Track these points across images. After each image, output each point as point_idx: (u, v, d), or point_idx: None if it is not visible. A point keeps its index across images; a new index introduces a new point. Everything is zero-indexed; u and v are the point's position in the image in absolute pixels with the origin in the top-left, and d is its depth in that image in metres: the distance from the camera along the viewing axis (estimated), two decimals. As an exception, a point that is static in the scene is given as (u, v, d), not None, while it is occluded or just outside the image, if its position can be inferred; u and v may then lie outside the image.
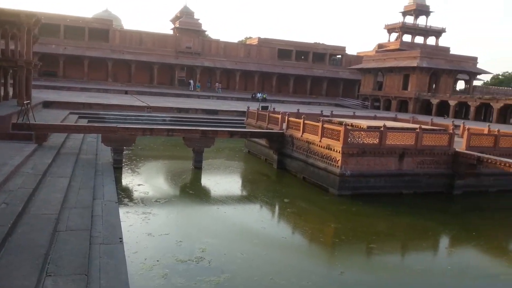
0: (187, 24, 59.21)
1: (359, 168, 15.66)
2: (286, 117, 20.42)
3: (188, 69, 62.89)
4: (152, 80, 57.64)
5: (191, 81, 58.61)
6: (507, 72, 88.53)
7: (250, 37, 78.79)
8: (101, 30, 55.84)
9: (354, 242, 11.72)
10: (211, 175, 18.69)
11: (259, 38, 66.96)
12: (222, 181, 17.69)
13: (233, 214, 13.06)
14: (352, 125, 18.99)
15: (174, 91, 53.86)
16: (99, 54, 53.83)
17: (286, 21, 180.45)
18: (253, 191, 16.95)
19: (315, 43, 71.15)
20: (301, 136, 18.39)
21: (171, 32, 63.66)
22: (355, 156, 15.54)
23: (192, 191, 15.94)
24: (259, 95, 54.63)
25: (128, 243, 9.22)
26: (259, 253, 9.98)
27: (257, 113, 24.49)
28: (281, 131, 20.40)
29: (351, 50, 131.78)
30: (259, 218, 13.02)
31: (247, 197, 15.95)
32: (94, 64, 54.23)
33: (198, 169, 18.72)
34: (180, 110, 34.89)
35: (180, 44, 58.86)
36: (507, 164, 14.59)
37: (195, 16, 61.65)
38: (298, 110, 26.56)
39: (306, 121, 18.52)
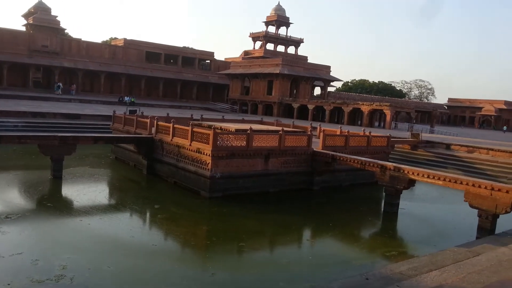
0: (42, 21, 53.85)
1: (229, 170, 16.10)
2: (155, 121, 19.96)
3: (45, 70, 57.13)
4: (1, 81, 50.95)
5: (60, 84, 53.22)
6: (355, 79, 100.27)
7: (116, 38, 75.13)
8: None
9: (226, 242, 12.00)
10: (73, 184, 17.29)
11: (125, 39, 64.26)
12: (85, 190, 16.48)
13: (99, 226, 12.26)
14: (221, 129, 19.41)
15: (28, 93, 48.39)
16: None
17: (154, 24, 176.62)
18: (121, 199, 16.17)
19: (184, 47, 71.22)
20: (171, 140, 18.17)
21: (23, 28, 57.15)
22: (224, 159, 15.92)
23: (50, 203, 14.53)
24: (127, 98, 52.39)
25: (-31, 268, 7.99)
26: (128, 264, 9.56)
27: (124, 117, 23.46)
28: (150, 135, 19.87)
29: (219, 56, 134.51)
30: (128, 227, 12.46)
31: (115, 206, 15.14)
32: None
33: (57, 178, 17.14)
34: (35, 114, 31.51)
35: (34, 42, 53.26)
36: (356, 161, 16.52)
37: (53, 13, 56.38)
38: (167, 114, 26.19)
39: (175, 125, 18.35)
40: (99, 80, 58.56)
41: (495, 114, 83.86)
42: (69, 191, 16.32)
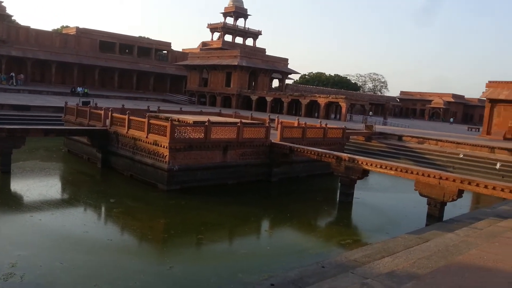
0: (-15, 6, 50.64)
1: (187, 162, 15.94)
2: (110, 113, 19.39)
3: (-11, 59, 53.82)
4: None
5: (12, 74, 50.19)
6: (312, 72, 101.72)
7: (67, 26, 72.04)
8: None
9: (184, 235, 11.92)
10: (22, 179, 16.52)
11: (77, 28, 61.77)
12: (36, 185, 15.80)
13: (51, 221, 11.80)
14: (179, 121, 19.15)
15: (-30, 83, 45.55)
16: None
17: (108, 13, 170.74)
18: (74, 194, 15.64)
19: (140, 37, 69.45)
20: (127, 132, 17.73)
21: (-37, 13, 53.43)
22: (182, 151, 15.75)
23: (-3, 199, 13.83)
24: (80, 89, 50.51)
25: None
26: (81, 260, 9.27)
27: (77, 108, 22.63)
28: (105, 127, 19.29)
29: (176, 46, 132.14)
30: (81, 222, 12.07)
31: (67, 201, 14.62)
32: None
33: (5, 173, 16.32)
34: (-21, 106, 29.75)
35: (-24, 29, 50.03)
36: (313, 152, 16.83)
37: (-4, -2, 53.07)
38: (123, 105, 25.52)
39: (131, 117, 17.92)
40: (50, 70, 55.99)
41: (443, 106, 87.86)
42: (18, 186, 15.60)
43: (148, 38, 69.90)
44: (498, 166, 20.84)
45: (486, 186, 11.83)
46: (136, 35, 69.99)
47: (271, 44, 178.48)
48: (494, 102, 36.23)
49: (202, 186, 16.25)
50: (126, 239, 11.38)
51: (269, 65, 59.16)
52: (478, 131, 46.86)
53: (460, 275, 5.60)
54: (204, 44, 73.29)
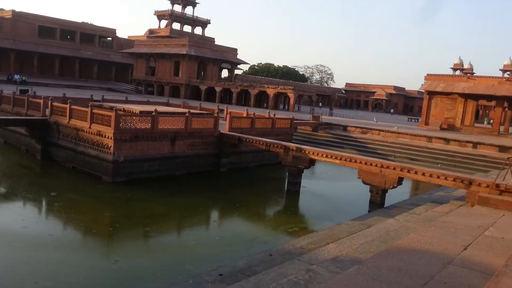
0: None
1: (133, 153, 15.53)
2: (50, 102, 18.42)
3: None
4: None
5: None
6: (261, 63, 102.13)
7: (2, 9, 67.24)
8: None
9: (130, 228, 11.64)
10: (-49, 173, 15.37)
11: (13, 11, 57.84)
12: (-33, 179, 14.77)
13: (-15, 217, 11.10)
14: (124, 110, 18.59)
15: None
16: None
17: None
18: (12, 187, 14.78)
19: (83, 22, 66.24)
20: (68, 122, 16.96)
21: None
22: (128, 142, 15.31)
23: None
24: (17, 77, 47.47)
25: None
26: (20, 257, 8.82)
27: (14, 97, 21.32)
28: (44, 117, 18.32)
29: (122, 33, 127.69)
30: (20, 217, 11.44)
31: (4, 195, 13.81)
32: None
33: None
34: None
35: None
36: (261, 142, 16.99)
37: None
38: (64, 94, 24.33)
39: (73, 107, 17.15)
40: (-18, 56, 52.17)
41: (385, 98, 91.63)
42: None
43: (91, 24, 66.80)
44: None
45: (423, 174, 12.52)
46: (79, 20, 66.68)
47: (220, 34, 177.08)
48: (431, 94, 38.27)
49: (150, 177, 15.92)
50: (69, 234, 10.94)
51: (218, 54, 58.68)
52: (417, 121, 49.35)
53: (399, 258, 5.91)
54: (151, 31, 71.28)
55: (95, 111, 16.14)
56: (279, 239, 11.27)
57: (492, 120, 41.66)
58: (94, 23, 67.14)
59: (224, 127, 19.16)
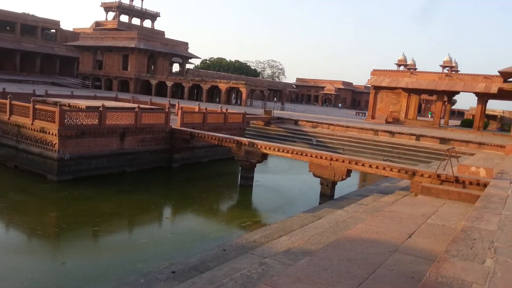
0: None
1: (80, 150, 14.94)
2: (-14, 98, 17.29)
3: None
4: None
5: None
6: (212, 57, 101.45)
7: None
8: None
9: (77, 228, 11.20)
10: None
11: None
12: None
13: None
14: (69, 106, 17.85)
15: None
16: None
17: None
18: None
19: (24, 13, 62.49)
20: (9, 119, 16.03)
21: None
22: (74, 138, 14.70)
23: None
24: None
25: None
26: (-44, 262, 8.25)
27: None
28: (-19, 114, 17.17)
29: (66, 25, 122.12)
30: (-45, 220, 10.71)
31: None
32: None
33: None
34: None
35: None
36: (213, 137, 16.90)
37: None
38: (4, 89, 22.92)
39: (14, 102, 16.21)
40: None
41: (334, 93, 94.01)
42: None
43: (33, 15, 63.16)
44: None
45: (370, 166, 13.00)
46: (19, 11, 62.87)
47: (170, 28, 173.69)
48: (377, 89, 39.73)
49: (98, 175, 15.39)
50: (12, 236, 10.37)
51: (168, 48, 57.57)
52: (364, 115, 51.08)
53: (348, 248, 6.11)
54: (97, 24, 68.59)
55: (38, 106, 15.35)
56: (233, 233, 11.29)
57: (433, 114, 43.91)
58: (36, 14, 63.62)
59: (175, 123, 18.87)
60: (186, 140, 18.08)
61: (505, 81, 33.03)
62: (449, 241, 5.55)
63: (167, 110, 18.61)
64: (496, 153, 22.53)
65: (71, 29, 67.79)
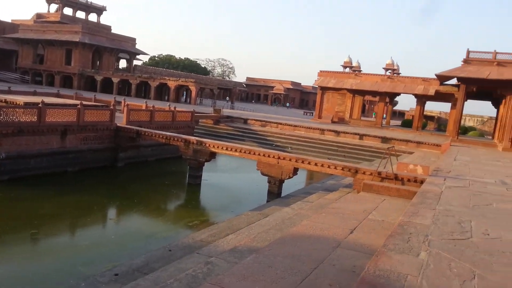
0: None
1: (17, 148, 14.12)
2: None
3: None
4: None
5: None
6: (161, 54, 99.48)
7: None
8: None
9: (14, 231, 10.57)
10: None
11: None
12: None
13: None
14: (6, 102, 16.82)
15: None
16: None
17: None
18: None
19: (-48, 1, 57.97)
20: None
21: None
22: (10, 136, 13.86)
23: None
24: None
25: None
26: None
27: None
28: None
29: (4, 16, 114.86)
30: None
31: None
32: None
33: None
34: None
35: None
36: (161, 136, 16.59)
37: None
38: None
39: None
40: None
41: (283, 92, 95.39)
42: None
43: (-37, 4, 58.87)
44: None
45: (316, 164, 13.33)
46: None
47: (117, 23, 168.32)
48: (324, 89, 40.77)
49: (37, 175, 14.62)
50: None
51: (115, 44, 55.77)
52: (312, 115, 52.25)
53: (293, 244, 6.23)
54: (39, 16, 65.03)
55: (-32, 102, 14.33)
56: (180, 233, 11.15)
57: (376, 114, 45.76)
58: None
59: (121, 120, 18.32)
60: (132, 139, 17.61)
61: (441, 84, 35.07)
62: (387, 235, 5.81)
63: (112, 107, 18.01)
64: (433, 152, 23.88)
65: (10, 21, 63.76)
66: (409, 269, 4.41)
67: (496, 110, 38.68)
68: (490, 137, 41.57)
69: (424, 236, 5.61)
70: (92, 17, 69.36)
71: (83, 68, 51.37)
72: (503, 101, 31.41)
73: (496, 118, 38.17)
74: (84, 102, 18.17)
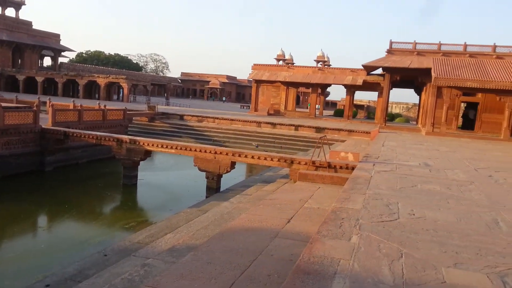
0: None
1: None
2: None
3: None
4: None
5: None
6: (89, 50, 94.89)
7: None
8: None
9: None
10: None
11: None
12: None
13: None
14: None
15: None
16: None
17: None
18: None
19: None
20: None
21: None
22: None
23: None
24: None
25: None
26: None
27: None
28: None
29: None
30: None
31: None
32: None
33: None
34: None
35: None
36: (91, 136, 15.86)
37: None
38: None
39: None
40: None
41: (219, 87, 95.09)
42: None
43: None
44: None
45: (253, 157, 13.45)
46: None
47: (39, 18, 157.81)
48: (258, 82, 41.19)
49: (-48, 185, 13.39)
50: None
51: (37, 40, 52.34)
52: (248, 108, 52.62)
53: (231, 238, 6.23)
54: None
55: None
56: (116, 237, 10.75)
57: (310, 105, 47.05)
58: None
59: (47, 122, 17.25)
60: (60, 141, 16.65)
61: (368, 74, 36.83)
62: (322, 222, 5.99)
63: (35, 108, 16.88)
64: (363, 139, 25.05)
65: None
66: (342, 254, 4.58)
67: (418, 97, 41.37)
68: (415, 123, 44.40)
69: (355, 220, 5.86)
70: (10, 12, 64.40)
71: (2, 67, 47.68)
72: (424, 88, 33.69)
73: (419, 105, 40.83)
74: (4, 104, 16.83)
